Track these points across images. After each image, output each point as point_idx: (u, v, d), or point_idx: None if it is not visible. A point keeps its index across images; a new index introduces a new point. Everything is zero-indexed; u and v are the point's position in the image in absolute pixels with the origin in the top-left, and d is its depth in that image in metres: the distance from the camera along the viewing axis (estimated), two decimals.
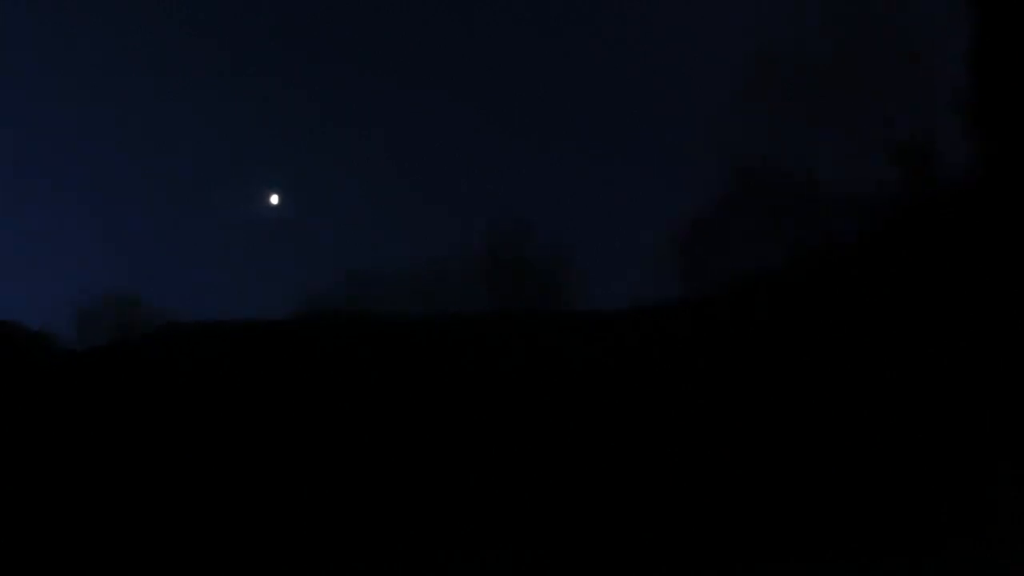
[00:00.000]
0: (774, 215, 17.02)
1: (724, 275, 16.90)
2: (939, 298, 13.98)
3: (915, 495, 11.58)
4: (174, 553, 13.17)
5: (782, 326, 14.31)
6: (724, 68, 20.96)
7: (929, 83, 16.85)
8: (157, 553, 13.15)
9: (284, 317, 18.21)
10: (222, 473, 14.42)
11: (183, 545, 13.26)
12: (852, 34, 18.45)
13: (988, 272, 13.75)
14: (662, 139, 22.34)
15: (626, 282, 19.05)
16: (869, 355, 13.55)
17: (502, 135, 26.17)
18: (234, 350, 16.91)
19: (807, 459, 12.42)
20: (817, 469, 12.20)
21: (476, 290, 19.68)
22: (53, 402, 16.31)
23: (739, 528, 11.77)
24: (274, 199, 25.17)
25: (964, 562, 9.61)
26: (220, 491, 14.14)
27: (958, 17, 16.01)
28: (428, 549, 12.47)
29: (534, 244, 19.41)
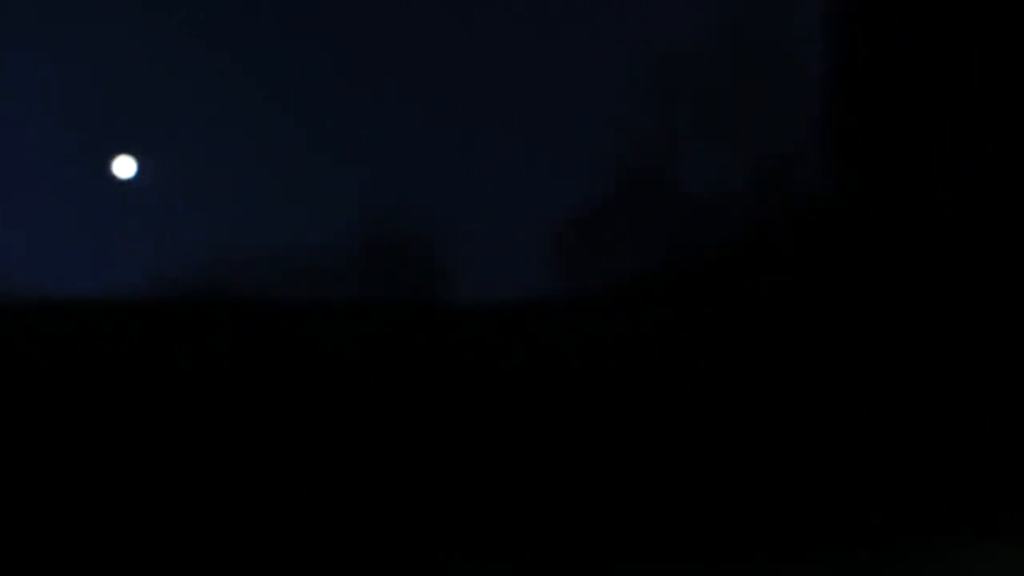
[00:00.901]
0: (651, 220, 17.13)
1: (600, 275, 16.90)
2: (806, 307, 14.26)
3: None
4: None
5: (656, 331, 14.34)
6: (612, 69, 20.70)
7: (802, 97, 17.23)
8: None
9: (133, 297, 17.23)
10: (54, 467, 13.51)
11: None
12: (732, 45, 18.76)
13: (850, 284, 14.08)
14: (547, 133, 21.80)
15: (502, 276, 18.66)
16: (745, 362, 13.70)
17: (381, 114, 25.27)
18: (67, 331, 15.87)
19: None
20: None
21: (350, 276, 19.17)
22: None
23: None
24: (129, 165, 23.61)
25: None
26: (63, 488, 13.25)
27: (829, 33, 16.36)
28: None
29: (411, 231, 18.93)
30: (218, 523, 12.76)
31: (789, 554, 10.18)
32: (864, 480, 11.44)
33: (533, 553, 12.82)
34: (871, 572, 9.80)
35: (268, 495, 13.83)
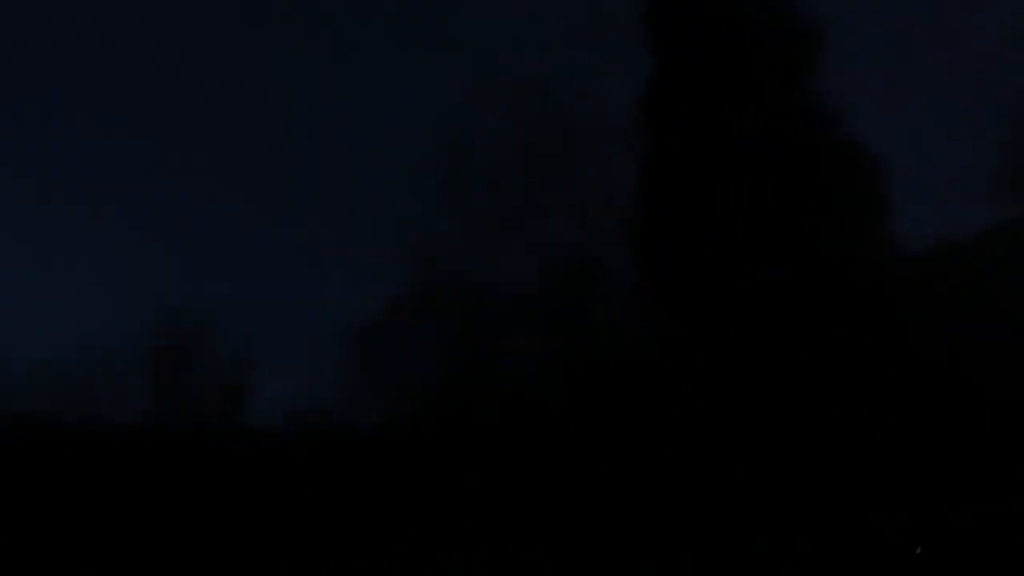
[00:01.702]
0: (445, 319, 17.31)
1: (396, 379, 16.90)
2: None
3: None
4: None
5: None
6: (408, 161, 21.18)
7: (601, 197, 18.00)
8: None
9: None
10: None
11: None
12: (535, 134, 19.41)
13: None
14: (341, 229, 22.04)
15: (305, 381, 18.40)
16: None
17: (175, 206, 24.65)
18: None
19: None
20: None
21: (142, 387, 18.17)
22: None
23: None
24: None
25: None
26: None
27: (633, 133, 17.32)
28: None
29: (213, 334, 18.25)
30: None
31: None
32: None
33: None
34: None
35: None
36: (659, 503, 13.64)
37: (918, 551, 10.26)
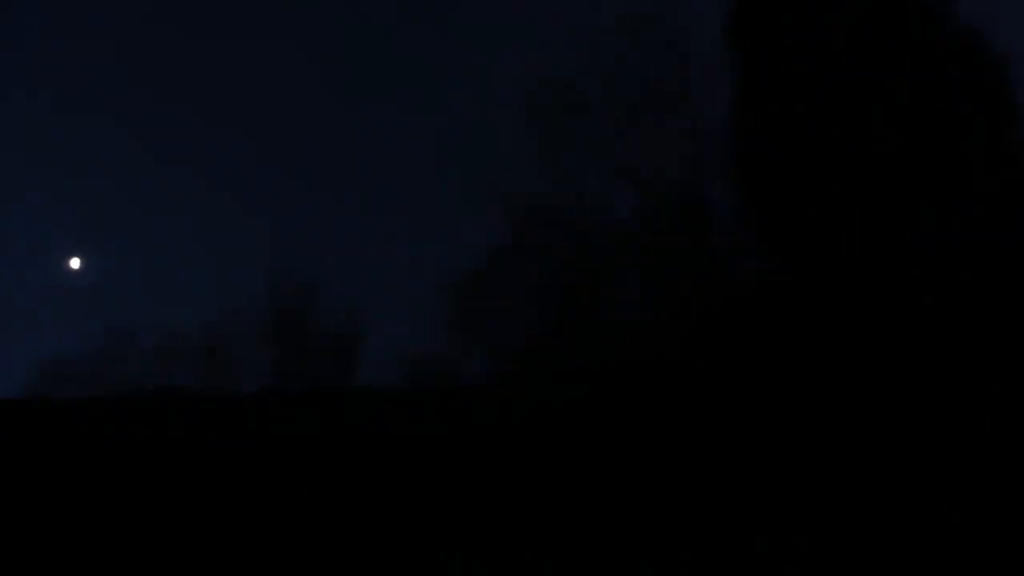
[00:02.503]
0: (547, 264, 16.97)
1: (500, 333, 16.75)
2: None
3: None
4: None
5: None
6: (491, 105, 20.63)
7: (698, 125, 17.20)
8: None
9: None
10: None
11: None
12: (624, 69, 18.64)
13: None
14: (435, 185, 21.75)
15: (408, 341, 18.49)
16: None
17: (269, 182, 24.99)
18: None
19: None
20: None
21: (258, 359, 18.68)
22: None
23: None
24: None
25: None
26: None
27: (726, 62, 16.41)
28: None
29: (317, 308, 18.59)
30: None
31: None
32: None
33: None
34: None
35: None
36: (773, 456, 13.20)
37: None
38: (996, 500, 10.63)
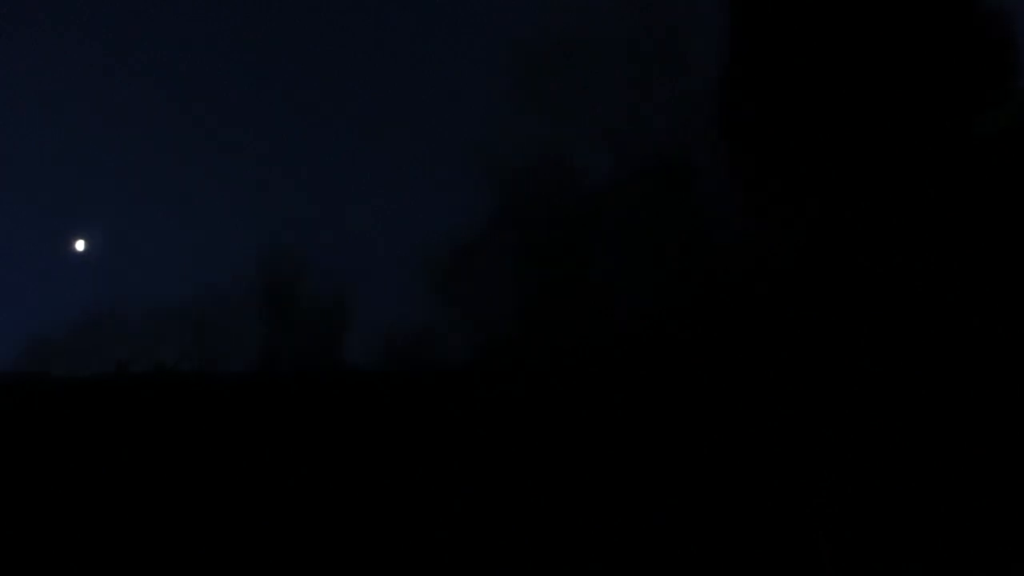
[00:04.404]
0: (538, 231, 16.62)
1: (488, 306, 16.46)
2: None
3: None
4: None
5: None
6: (475, 69, 20.18)
7: (688, 88, 16.71)
8: None
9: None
10: None
11: None
12: (614, 27, 18.10)
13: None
14: (423, 153, 21.35)
15: (395, 316, 18.22)
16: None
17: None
18: None
19: None
20: None
21: (247, 334, 18.45)
22: None
23: None
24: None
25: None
26: None
27: (718, 21, 15.91)
28: None
29: (304, 283, 18.29)
30: None
31: None
32: None
33: None
34: None
35: None
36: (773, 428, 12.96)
37: None
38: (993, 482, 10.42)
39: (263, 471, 15.20)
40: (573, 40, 17.70)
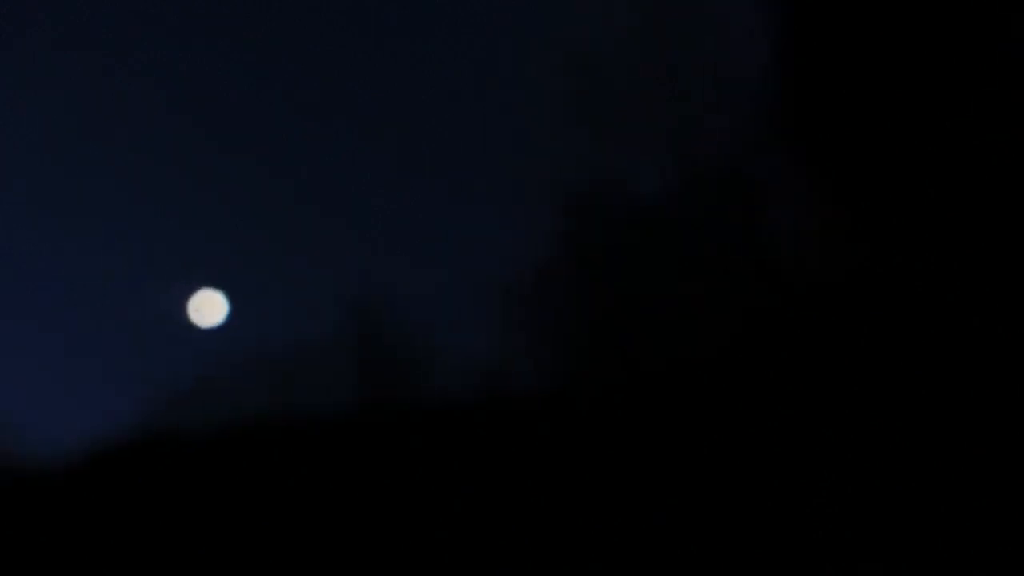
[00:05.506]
0: (605, 248, 16.50)
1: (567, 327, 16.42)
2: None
3: None
4: None
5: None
6: (534, 87, 19.83)
7: (744, 94, 16.36)
8: None
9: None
10: None
11: None
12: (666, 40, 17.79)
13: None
14: (486, 177, 21.14)
15: (471, 349, 18.19)
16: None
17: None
18: None
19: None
20: None
21: (343, 379, 18.90)
22: None
23: None
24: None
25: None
26: None
27: (771, 29, 15.50)
28: None
29: (390, 321, 18.49)
30: None
31: None
32: None
33: None
34: None
35: None
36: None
37: None
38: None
39: (364, 511, 15.55)
40: (625, 56, 17.48)
